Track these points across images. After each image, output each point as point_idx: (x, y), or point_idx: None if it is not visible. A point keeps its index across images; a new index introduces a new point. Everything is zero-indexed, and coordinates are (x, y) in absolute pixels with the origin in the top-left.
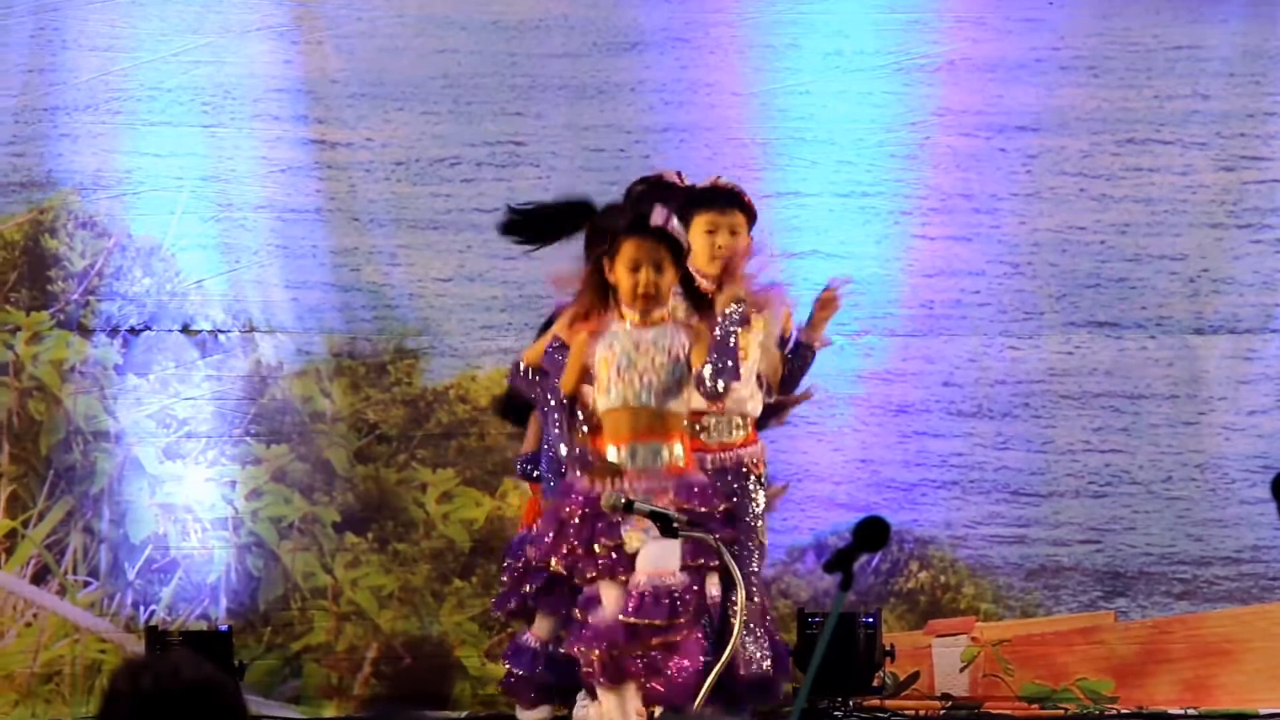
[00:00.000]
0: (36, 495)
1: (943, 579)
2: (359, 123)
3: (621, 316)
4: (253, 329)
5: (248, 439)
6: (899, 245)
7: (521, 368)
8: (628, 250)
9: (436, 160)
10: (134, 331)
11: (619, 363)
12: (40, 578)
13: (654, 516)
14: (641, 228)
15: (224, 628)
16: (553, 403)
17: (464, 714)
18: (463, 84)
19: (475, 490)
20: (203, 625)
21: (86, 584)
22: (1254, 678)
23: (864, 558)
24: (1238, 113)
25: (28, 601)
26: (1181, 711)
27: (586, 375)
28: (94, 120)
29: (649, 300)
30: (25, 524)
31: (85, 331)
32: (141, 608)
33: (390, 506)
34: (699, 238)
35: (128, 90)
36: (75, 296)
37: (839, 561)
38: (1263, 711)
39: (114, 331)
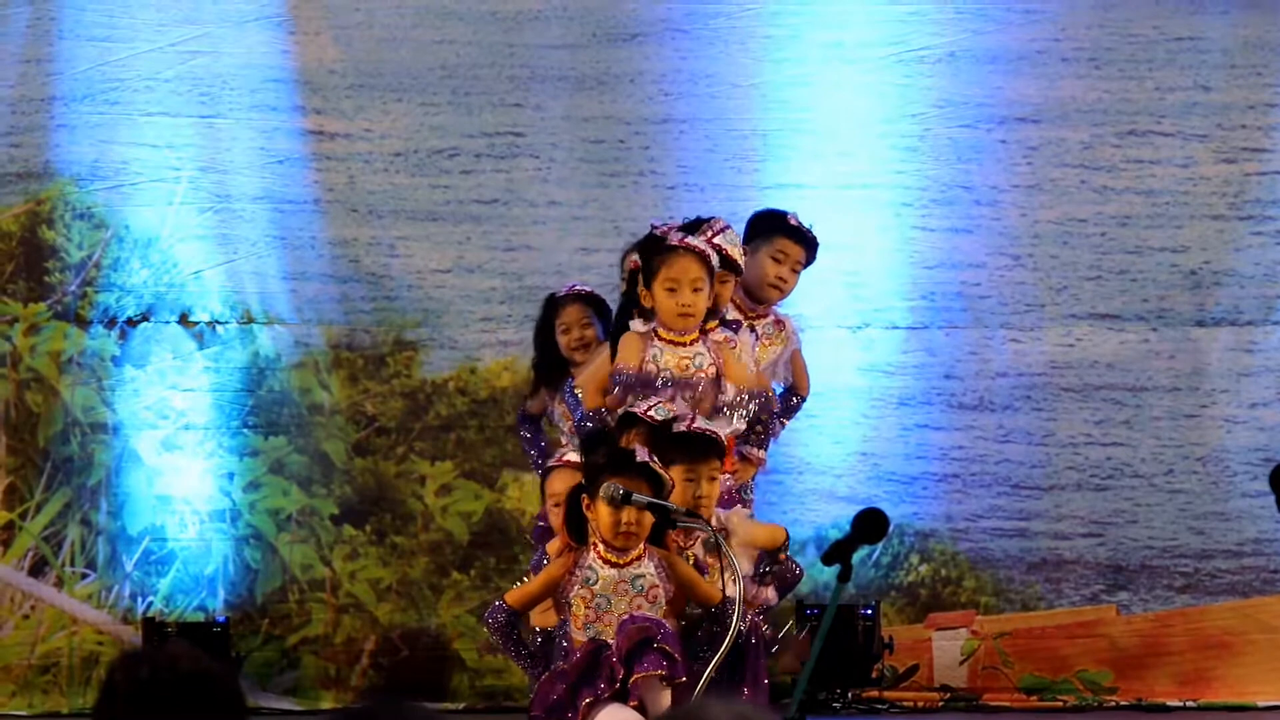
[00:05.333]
0: (34, 487)
1: (944, 572)
2: (357, 114)
3: (597, 550)
4: (251, 320)
5: (245, 431)
6: (900, 237)
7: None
8: (608, 490)
9: (435, 151)
10: (131, 323)
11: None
12: (38, 569)
13: (652, 508)
14: (626, 463)
15: (221, 619)
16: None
17: (461, 706)
18: (461, 75)
19: (474, 483)
20: (200, 617)
21: (84, 576)
22: (1253, 670)
23: (865, 551)
24: (1239, 104)
25: (25, 593)
26: (1180, 704)
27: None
28: (91, 111)
29: (629, 537)
30: (23, 516)
31: (83, 323)
32: (139, 599)
33: (388, 499)
34: (678, 483)
35: (125, 81)
36: (73, 288)
37: (837, 553)
38: (1261, 704)
39: (111, 323)
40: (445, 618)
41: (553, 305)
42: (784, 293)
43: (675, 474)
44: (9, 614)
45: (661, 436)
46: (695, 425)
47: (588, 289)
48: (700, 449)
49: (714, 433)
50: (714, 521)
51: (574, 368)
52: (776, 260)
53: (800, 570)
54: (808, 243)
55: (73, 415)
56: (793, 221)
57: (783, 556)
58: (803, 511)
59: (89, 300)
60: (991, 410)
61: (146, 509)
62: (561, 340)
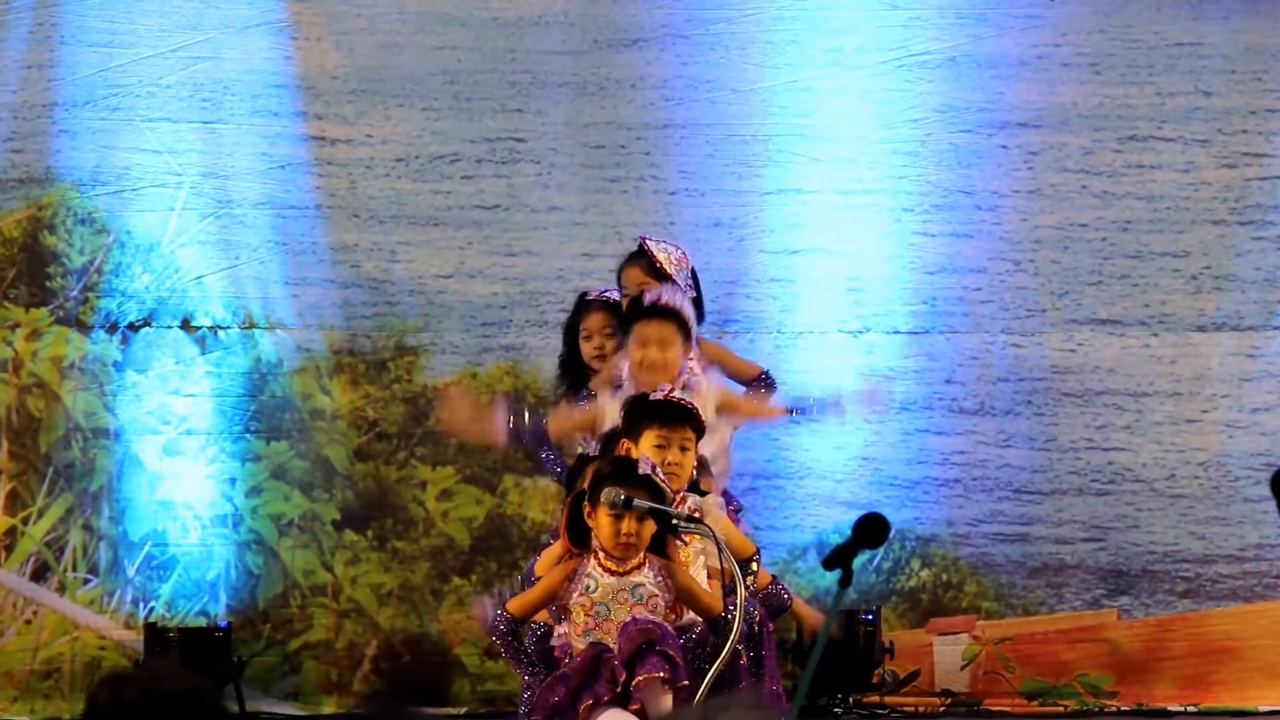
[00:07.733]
0: (36, 493)
1: (945, 577)
2: (359, 119)
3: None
4: (252, 325)
5: (247, 436)
6: (901, 242)
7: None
8: (609, 495)
9: (436, 157)
10: (133, 328)
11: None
12: (40, 575)
13: (653, 514)
14: (628, 473)
15: (223, 624)
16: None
17: (463, 711)
18: (463, 80)
19: (475, 488)
20: (202, 622)
21: (86, 581)
22: (1255, 675)
23: (866, 556)
24: (1239, 109)
25: (27, 599)
26: (1182, 709)
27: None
28: (93, 116)
29: (628, 548)
30: (25, 521)
31: (84, 328)
32: (141, 605)
33: (390, 504)
34: (649, 449)
35: (126, 86)
36: (74, 293)
37: (838, 558)
38: (1262, 709)
39: (113, 328)
40: (446, 623)
41: (581, 307)
42: (662, 369)
43: (648, 439)
44: (11, 620)
45: (636, 405)
46: (672, 394)
47: (616, 298)
48: (674, 415)
49: (690, 403)
50: (688, 504)
51: (593, 376)
52: (660, 448)
53: (790, 597)
54: (657, 312)
55: (74, 420)
56: (645, 301)
57: (762, 574)
58: (804, 516)
59: (91, 305)
60: (992, 415)
61: (148, 514)
62: (583, 346)
